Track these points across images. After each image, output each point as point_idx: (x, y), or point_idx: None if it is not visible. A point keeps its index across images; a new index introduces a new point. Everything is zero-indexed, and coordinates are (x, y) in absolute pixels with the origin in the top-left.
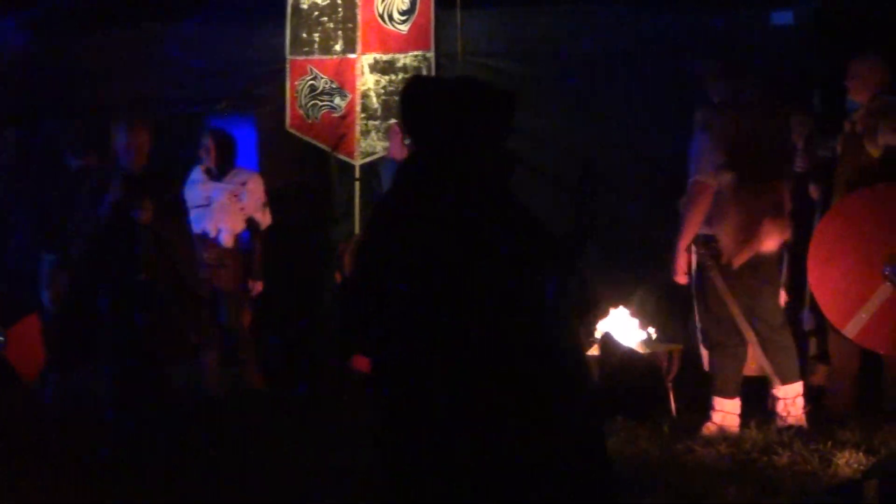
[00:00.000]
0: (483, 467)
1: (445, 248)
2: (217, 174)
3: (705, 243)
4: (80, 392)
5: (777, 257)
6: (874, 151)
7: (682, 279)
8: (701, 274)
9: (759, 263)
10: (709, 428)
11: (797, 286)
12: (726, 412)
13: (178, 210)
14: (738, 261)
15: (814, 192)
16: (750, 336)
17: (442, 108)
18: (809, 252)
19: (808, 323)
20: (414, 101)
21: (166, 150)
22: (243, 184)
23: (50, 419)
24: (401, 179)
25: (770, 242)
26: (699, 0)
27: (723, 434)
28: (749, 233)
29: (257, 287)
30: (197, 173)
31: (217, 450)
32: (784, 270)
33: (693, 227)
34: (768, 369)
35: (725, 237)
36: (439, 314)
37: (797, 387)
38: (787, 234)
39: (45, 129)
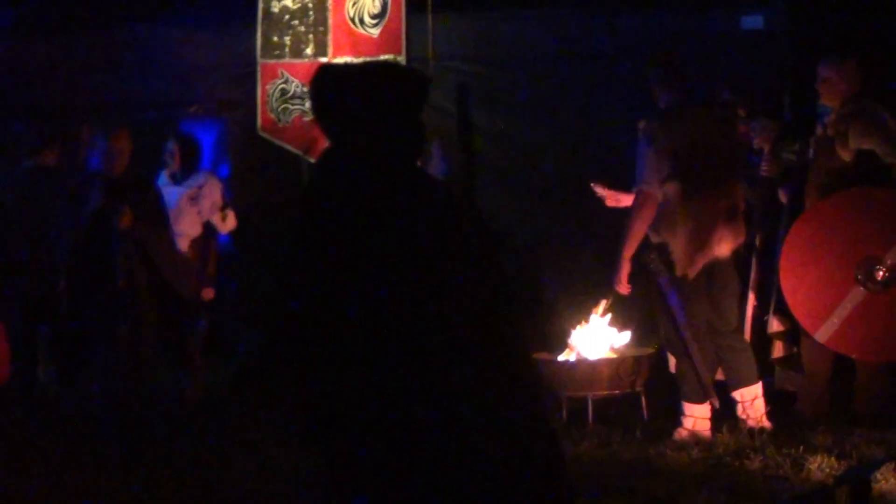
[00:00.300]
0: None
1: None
2: (180, 178)
3: (657, 252)
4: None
5: (732, 261)
6: (846, 155)
7: (624, 289)
8: (653, 283)
9: (713, 269)
10: (680, 433)
11: (763, 288)
12: (696, 417)
13: (159, 215)
14: (693, 270)
15: (782, 196)
16: (690, 343)
17: (357, 93)
18: (781, 257)
19: (773, 326)
20: (326, 90)
21: (136, 155)
22: (200, 187)
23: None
24: (323, 178)
25: (724, 247)
26: (670, 3)
27: (695, 438)
28: (701, 240)
29: (208, 293)
30: (163, 178)
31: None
32: (752, 273)
33: (637, 235)
34: (724, 373)
35: (678, 247)
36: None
37: (754, 389)
38: (741, 238)
39: (12, 132)
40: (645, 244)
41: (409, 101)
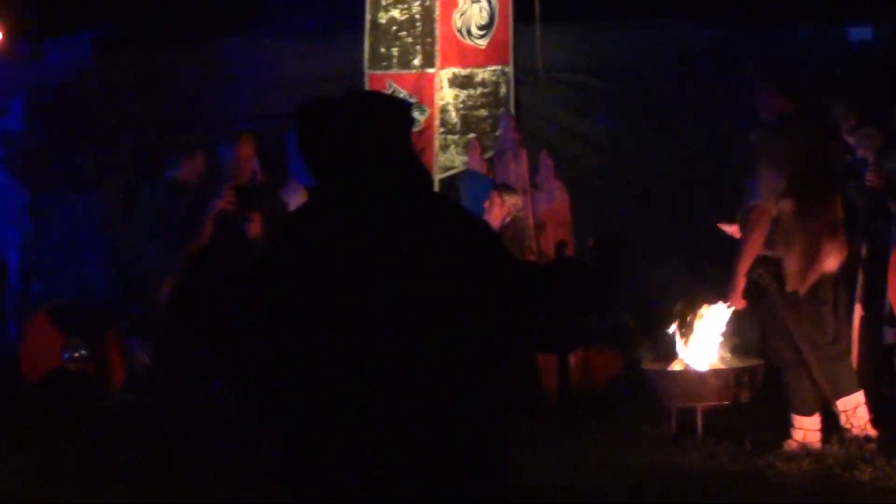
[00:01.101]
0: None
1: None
2: None
3: (766, 267)
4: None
5: (837, 276)
6: None
7: (739, 303)
8: (763, 297)
9: (819, 284)
10: (790, 444)
11: (871, 299)
12: (806, 429)
13: None
14: (805, 286)
15: (893, 206)
16: (808, 354)
17: (342, 124)
18: (891, 268)
19: (890, 336)
20: (312, 126)
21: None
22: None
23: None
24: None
25: (831, 262)
26: (777, 15)
27: (805, 450)
28: (812, 256)
29: None
30: None
31: None
32: (859, 284)
33: (753, 251)
34: (822, 385)
35: (791, 262)
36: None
37: (856, 397)
38: (845, 252)
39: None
40: (760, 259)
41: (393, 130)
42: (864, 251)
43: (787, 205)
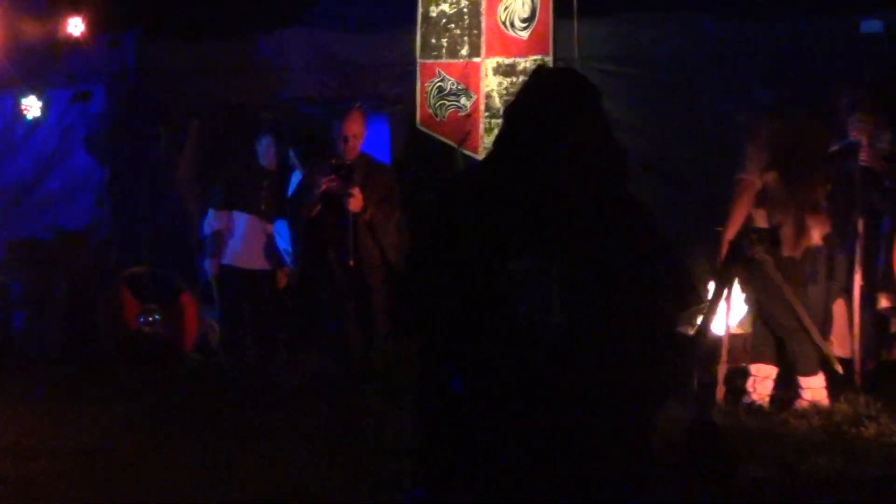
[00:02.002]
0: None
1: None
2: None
3: (758, 237)
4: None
5: (819, 251)
6: None
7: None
8: (759, 271)
9: (807, 255)
10: (801, 403)
11: (867, 268)
12: (814, 388)
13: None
14: (799, 250)
15: (886, 181)
16: (805, 319)
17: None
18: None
19: (881, 302)
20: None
21: (303, 145)
22: None
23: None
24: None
25: (815, 235)
26: (792, 8)
27: (815, 408)
28: (801, 224)
29: None
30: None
31: None
32: (857, 254)
33: (737, 219)
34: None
35: (787, 228)
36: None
37: (769, 370)
38: (826, 228)
39: (194, 126)
40: (750, 229)
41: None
42: (860, 224)
43: (771, 178)
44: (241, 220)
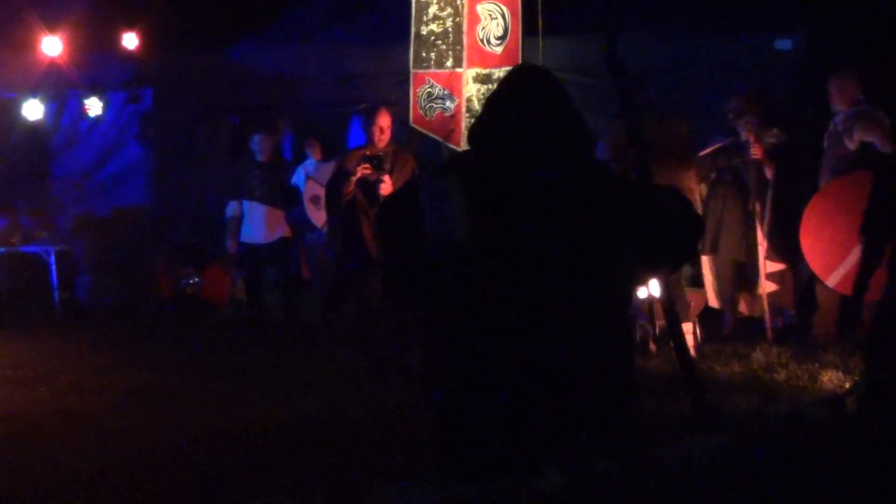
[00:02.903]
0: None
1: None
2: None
3: None
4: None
5: None
6: (851, 145)
7: None
8: None
9: None
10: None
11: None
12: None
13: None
14: None
15: (768, 172)
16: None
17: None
18: (802, 222)
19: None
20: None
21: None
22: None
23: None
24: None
25: None
26: (717, 28)
27: (736, 355)
28: None
29: None
30: (310, 159)
31: None
32: (759, 229)
33: None
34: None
35: None
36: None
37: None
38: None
39: (226, 123)
40: None
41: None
42: (757, 208)
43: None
44: (248, 205)
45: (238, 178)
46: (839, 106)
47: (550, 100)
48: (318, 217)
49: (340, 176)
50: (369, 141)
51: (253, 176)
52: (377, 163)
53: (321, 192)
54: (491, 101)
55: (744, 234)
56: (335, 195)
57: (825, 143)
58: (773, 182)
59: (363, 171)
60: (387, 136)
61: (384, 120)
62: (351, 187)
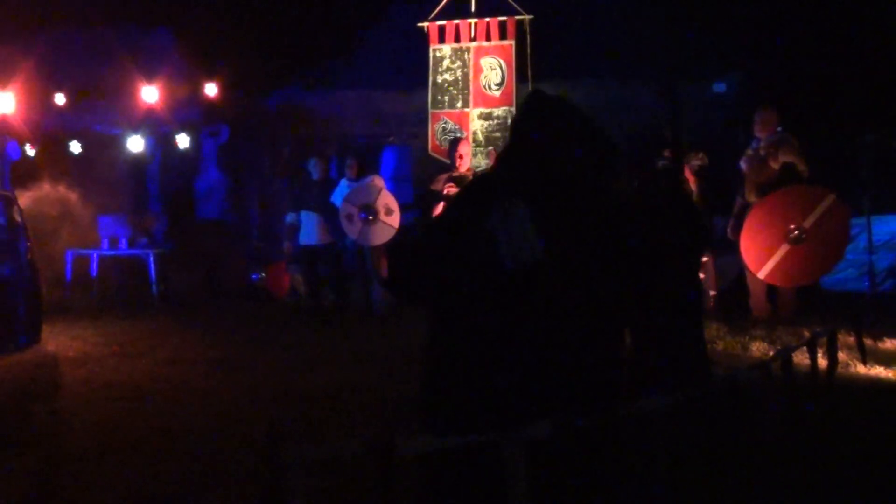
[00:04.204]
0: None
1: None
2: (355, 179)
3: None
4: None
5: None
6: (775, 165)
7: None
8: None
9: None
10: None
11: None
12: None
13: None
14: None
15: (693, 186)
16: None
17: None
18: (743, 229)
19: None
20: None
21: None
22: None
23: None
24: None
25: None
26: (661, 75)
27: None
28: None
29: None
30: (344, 181)
31: None
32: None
33: None
34: None
35: None
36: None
37: None
38: None
39: (283, 151)
40: None
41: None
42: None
43: None
44: (306, 215)
45: (298, 193)
46: (761, 133)
47: (579, 119)
48: (352, 230)
49: (430, 195)
50: (452, 165)
51: (310, 191)
52: (459, 181)
53: (354, 211)
54: (525, 126)
55: None
56: (426, 210)
57: (742, 164)
58: (696, 194)
59: (449, 189)
60: (466, 161)
61: (464, 149)
62: (439, 203)
